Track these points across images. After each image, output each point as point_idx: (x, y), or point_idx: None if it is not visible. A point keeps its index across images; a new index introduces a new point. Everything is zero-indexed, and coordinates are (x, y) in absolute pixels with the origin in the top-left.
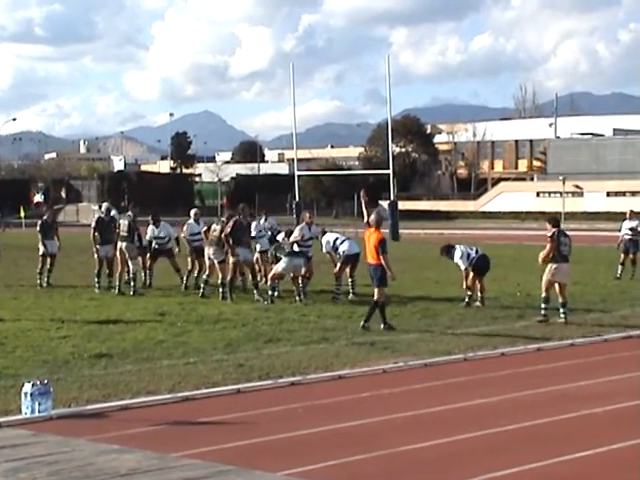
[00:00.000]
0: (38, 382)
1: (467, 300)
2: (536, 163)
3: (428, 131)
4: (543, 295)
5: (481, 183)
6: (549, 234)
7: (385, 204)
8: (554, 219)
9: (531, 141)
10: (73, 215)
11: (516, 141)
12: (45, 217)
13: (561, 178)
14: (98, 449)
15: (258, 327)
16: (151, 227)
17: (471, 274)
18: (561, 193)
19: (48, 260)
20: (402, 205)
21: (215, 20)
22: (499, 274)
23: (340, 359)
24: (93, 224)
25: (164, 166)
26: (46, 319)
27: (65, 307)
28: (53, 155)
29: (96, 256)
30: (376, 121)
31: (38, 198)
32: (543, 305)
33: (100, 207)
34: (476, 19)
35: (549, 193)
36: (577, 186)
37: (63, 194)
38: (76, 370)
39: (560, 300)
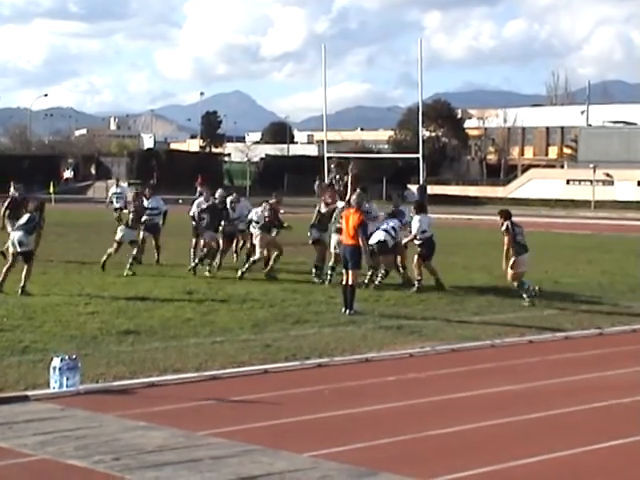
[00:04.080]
0: (67, 357)
1: (418, 285)
2: (567, 150)
3: (459, 116)
4: (516, 285)
5: (511, 169)
6: (503, 228)
7: (414, 188)
8: (506, 211)
9: (562, 128)
10: (102, 192)
11: (547, 128)
12: (137, 202)
13: (592, 166)
14: (125, 425)
15: (285, 308)
16: (200, 200)
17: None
18: (591, 181)
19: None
20: (431, 189)
21: (248, 0)
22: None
23: (367, 342)
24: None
25: (194, 145)
26: (74, 295)
27: (93, 283)
28: (84, 131)
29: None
30: (406, 105)
31: (68, 174)
32: (525, 294)
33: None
34: (510, 4)
35: (579, 181)
36: (608, 174)
37: (93, 170)
38: (104, 346)
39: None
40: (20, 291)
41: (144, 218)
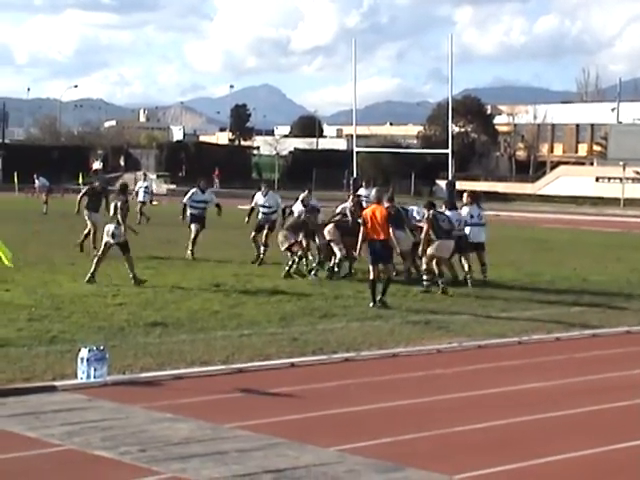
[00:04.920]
0: (94, 348)
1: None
2: (596, 148)
3: (488, 112)
4: (424, 268)
5: (540, 166)
6: (425, 217)
7: (443, 183)
8: (429, 203)
9: (592, 125)
10: (131, 183)
11: (577, 125)
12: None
13: (621, 164)
14: (152, 417)
15: (313, 302)
16: (259, 194)
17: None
18: (621, 179)
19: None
20: (459, 185)
21: None
22: (555, 258)
23: (394, 337)
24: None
25: (223, 138)
26: (102, 286)
27: (121, 275)
28: (113, 123)
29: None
30: (436, 100)
31: (97, 165)
32: (426, 277)
33: (198, 185)
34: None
35: (609, 179)
36: (638, 172)
37: (122, 162)
38: (131, 338)
39: (438, 272)
40: (133, 281)
41: (193, 211)
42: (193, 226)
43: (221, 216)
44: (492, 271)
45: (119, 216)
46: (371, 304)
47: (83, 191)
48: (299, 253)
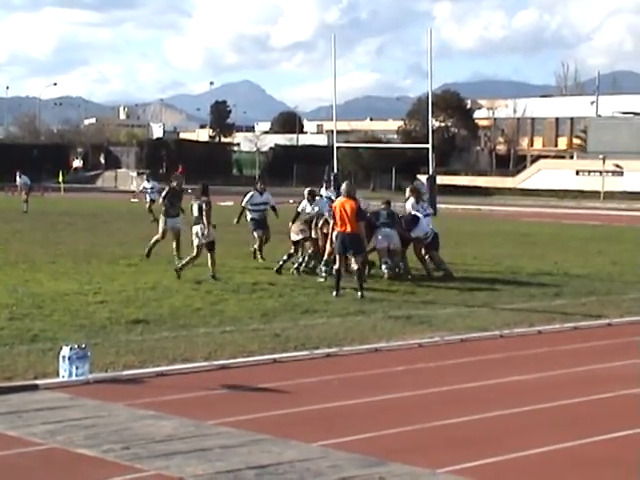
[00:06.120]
0: (76, 346)
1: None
2: (576, 141)
3: (468, 106)
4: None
5: (520, 160)
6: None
7: (423, 178)
8: (385, 201)
9: (572, 119)
10: (111, 181)
11: (556, 119)
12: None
13: (601, 157)
14: (134, 414)
15: (295, 297)
16: (306, 203)
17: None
18: (601, 172)
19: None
20: (440, 180)
21: None
22: (536, 252)
23: (376, 332)
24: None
25: (203, 134)
26: (84, 284)
27: (103, 272)
28: (93, 121)
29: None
30: (416, 95)
31: (77, 163)
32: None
33: (256, 187)
34: None
35: (588, 172)
36: (617, 165)
37: (102, 160)
38: (113, 335)
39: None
40: (212, 277)
41: (254, 215)
42: (256, 233)
43: (278, 218)
44: (474, 265)
45: (204, 217)
46: (334, 293)
47: (164, 194)
48: (310, 250)
